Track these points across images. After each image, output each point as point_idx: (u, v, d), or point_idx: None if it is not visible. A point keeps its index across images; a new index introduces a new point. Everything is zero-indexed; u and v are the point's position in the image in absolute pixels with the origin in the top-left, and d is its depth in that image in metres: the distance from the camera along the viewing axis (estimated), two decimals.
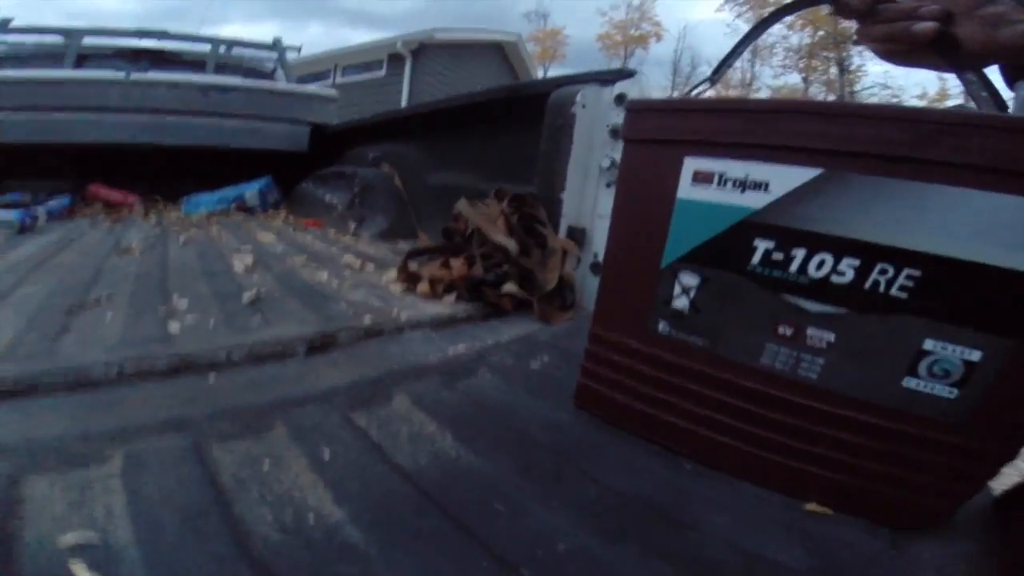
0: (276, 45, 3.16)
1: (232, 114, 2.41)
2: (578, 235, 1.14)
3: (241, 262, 1.18)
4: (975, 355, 0.39)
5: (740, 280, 0.48)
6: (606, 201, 1.07)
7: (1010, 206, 0.36)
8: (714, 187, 0.48)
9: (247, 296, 0.92)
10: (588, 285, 1.09)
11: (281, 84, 2.89)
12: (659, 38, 18.05)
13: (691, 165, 0.49)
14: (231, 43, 3.06)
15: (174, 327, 0.77)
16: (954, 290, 0.39)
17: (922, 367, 0.41)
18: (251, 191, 2.36)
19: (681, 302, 0.52)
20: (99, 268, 1.10)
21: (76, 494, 0.42)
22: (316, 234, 1.75)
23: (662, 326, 0.53)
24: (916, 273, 0.40)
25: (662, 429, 0.55)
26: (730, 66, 0.58)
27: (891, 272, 0.41)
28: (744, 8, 13.67)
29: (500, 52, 10.96)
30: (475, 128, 1.69)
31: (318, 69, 9.48)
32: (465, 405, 0.61)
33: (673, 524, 0.44)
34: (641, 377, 0.56)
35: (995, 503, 0.49)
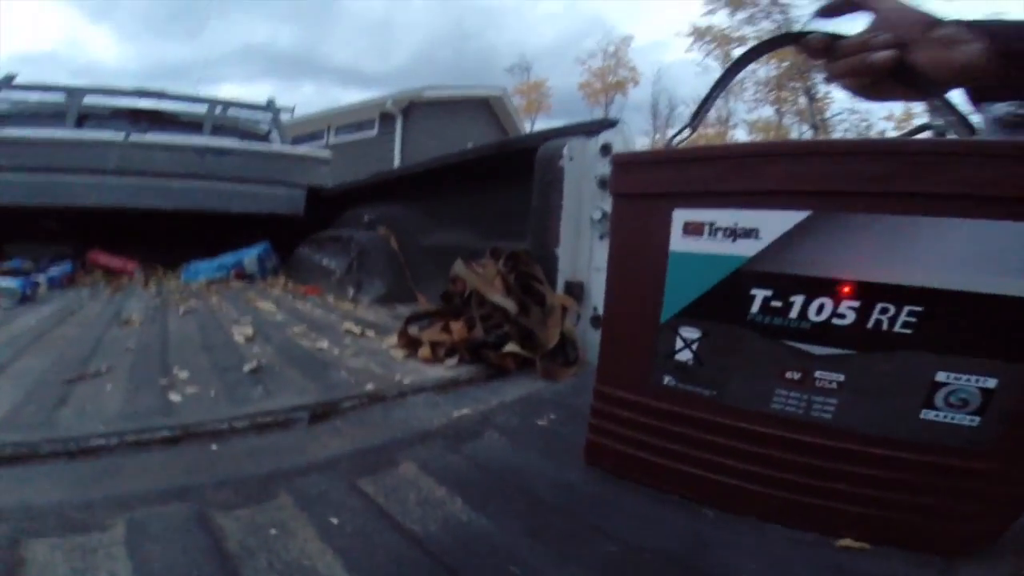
0: (270, 106, 3.23)
1: (229, 177, 2.43)
2: (576, 290, 1.14)
3: (241, 333, 1.19)
4: (991, 383, 0.39)
5: (742, 331, 0.48)
6: (601, 253, 1.09)
7: (1002, 232, 0.37)
8: (705, 238, 0.48)
9: (248, 367, 0.92)
10: (590, 339, 1.09)
11: (276, 146, 2.94)
12: (636, 83, 19.16)
13: (681, 217, 0.50)
14: (227, 104, 3.13)
15: (175, 398, 0.76)
16: (959, 321, 0.39)
17: (938, 399, 0.41)
18: (250, 258, 2.38)
19: (684, 355, 0.51)
20: (99, 340, 1.10)
21: (79, 559, 0.40)
22: (315, 301, 1.76)
23: (667, 379, 0.53)
24: (918, 309, 0.40)
25: (677, 479, 0.53)
26: (707, 111, 0.60)
27: (892, 311, 0.41)
28: (712, 47, 14.61)
29: (487, 107, 11.42)
30: (467, 186, 1.74)
31: (312, 129, 9.78)
32: (472, 469, 0.60)
33: (698, 574, 0.42)
34: (650, 430, 0.54)
35: None
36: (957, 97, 0.48)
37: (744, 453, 0.49)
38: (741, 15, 13.71)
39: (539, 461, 0.63)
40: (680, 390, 0.52)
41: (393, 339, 1.14)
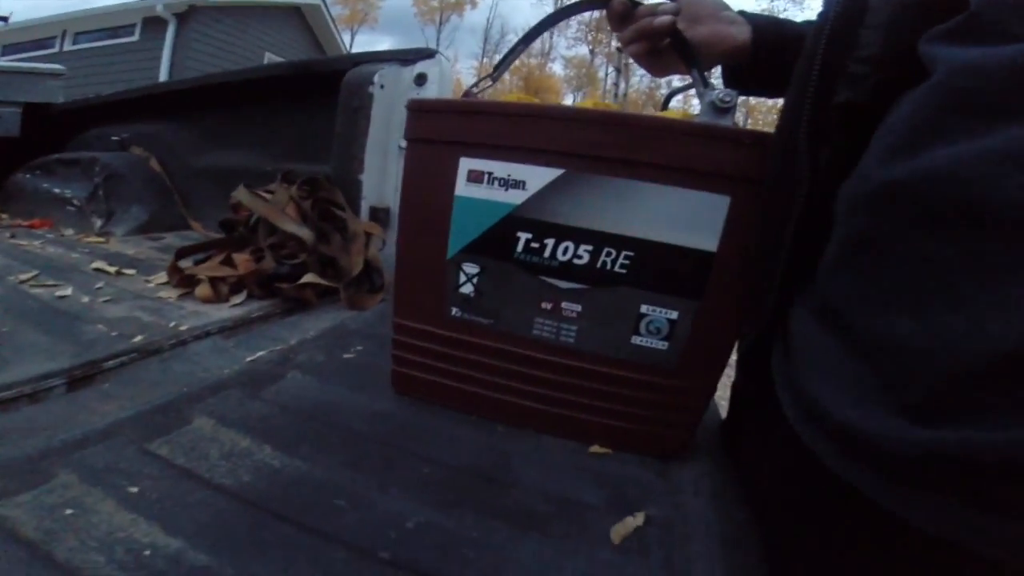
0: None
1: None
2: (381, 215, 1.14)
3: None
4: (674, 314, 0.52)
5: (509, 267, 0.55)
6: None
7: (688, 198, 0.48)
8: (484, 186, 0.54)
9: None
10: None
11: None
12: (474, 5, 18.35)
13: (466, 165, 0.54)
14: None
15: None
16: (656, 265, 0.51)
17: (642, 326, 0.53)
18: None
19: (467, 288, 0.58)
20: None
21: None
22: (47, 238, 1.38)
23: (455, 311, 0.59)
24: (631, 254, 0.51)
25: (472, 401, 0.61)
26: (509, 65, 0.63)
27: (614, 254, 0.51)
28: None
29: (298, 15, 9.97)
30: (260, 105, 1.53)
31: (39, 36, 7.79)
32: (278, 413, 0.59)
33: (498, 485, 0.50)
34: (445, 358, 0.61)
35: (720, 428, 0.65)
36: (715, 78, 0.59)
37: (518, 374, 0.58)
38: None
39: (349, 395, 0.64)
40: (466, 320, 0.59)
41: (162, 277, 0.99)
